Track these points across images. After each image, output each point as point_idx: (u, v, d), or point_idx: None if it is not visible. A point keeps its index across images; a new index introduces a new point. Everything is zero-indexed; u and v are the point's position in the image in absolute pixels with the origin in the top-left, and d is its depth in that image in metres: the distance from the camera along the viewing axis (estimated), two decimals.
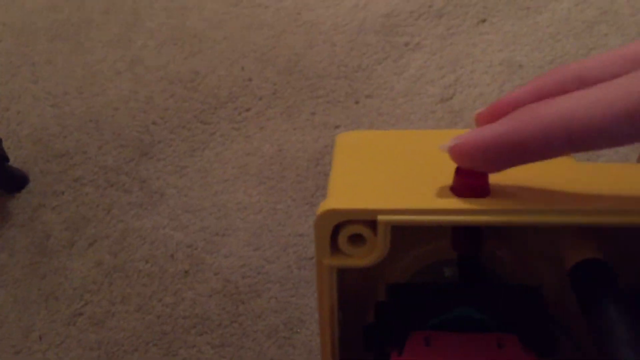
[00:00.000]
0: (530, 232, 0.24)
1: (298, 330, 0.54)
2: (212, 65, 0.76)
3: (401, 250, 0.25)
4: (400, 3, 0.81)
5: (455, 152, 0.20)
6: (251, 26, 0.80)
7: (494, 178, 0.21)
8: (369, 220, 0.20)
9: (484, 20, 0.79)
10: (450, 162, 0.21)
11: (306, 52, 0.77)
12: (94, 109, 0.72)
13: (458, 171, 0.21)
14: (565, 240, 0.24)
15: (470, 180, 0.21)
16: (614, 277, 0.22)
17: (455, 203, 0.20)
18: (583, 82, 0.19)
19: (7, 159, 0.63)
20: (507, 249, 0.25)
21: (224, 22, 0.81)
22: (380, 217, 0.20)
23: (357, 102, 0.71)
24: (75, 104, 0.73)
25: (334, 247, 0.21)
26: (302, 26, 0.80)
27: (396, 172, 0.23)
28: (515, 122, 0.19)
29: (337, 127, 0.69)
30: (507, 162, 0.19)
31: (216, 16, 0.82)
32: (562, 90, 0.19)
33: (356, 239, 0.21)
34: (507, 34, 0.78)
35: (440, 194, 0.21)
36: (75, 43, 0.80)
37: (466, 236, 0.23)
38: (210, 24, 0.81)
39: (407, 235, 0.25)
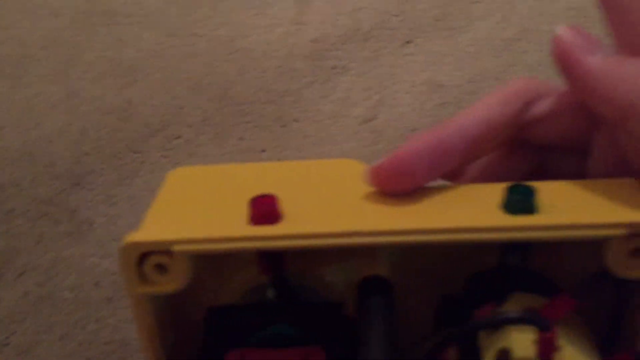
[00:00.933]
0: (326, 253, 0.27)
1: None
2: (145, 95, 0.78)
3: (228, 274, 0.28)
4: (329, 28, 0.84)
5: (374, 173, 0.24)
6: (185, 55, 0.83)
7: (290, 205, 0.23)
8: (169, 251, 0.22)
9: (409, 42, 0.82)
10: (259, 192, 0.23)
11: (237, 79, 0.79)
12: (29, 142, 0.74)
13: (251, 201, 0.23)
14: (357, 258, 0.26)
15: (260, 209, 0.23)
16: (387, 291, 0.24)
17: (244, 231, 0.22)
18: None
19: None
20: (311, 266, 0.27)
21: (159, 52, 0.84)
22: (175, 247, 0.22)
23: (284, 126, 0.74)
24: (10, 138, 0.75)
25: (143, 275, 0.23)
26: (235, 54, 0.83)
27: (206, 205, 0.25)
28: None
29: (263, 150, 0.72)
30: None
31: (152, 47, 0.85)
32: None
33: (162, 267, 0.23)
34: (430, 54, 0.81)
35: (237, 223, 0.23)
36: (14, 78, 0.82)
37: (266, 260, 0.25)
38: (145, 54, 0.84)
39: (232, 260, 0.27)
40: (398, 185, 0.25)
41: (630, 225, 0.21)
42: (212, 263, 0.27)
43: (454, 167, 0.26)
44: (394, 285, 0.25)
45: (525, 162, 0.30)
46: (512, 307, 0.23)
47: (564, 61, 0.26)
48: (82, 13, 0.91)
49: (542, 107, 0.28)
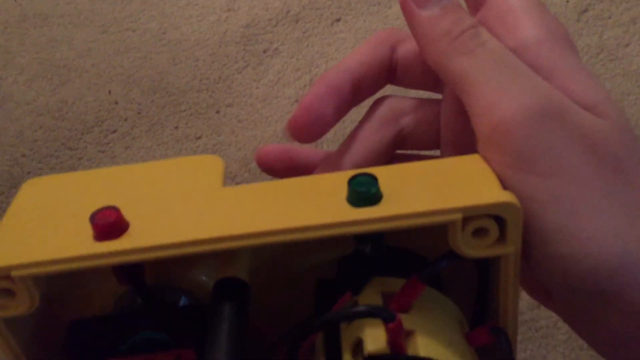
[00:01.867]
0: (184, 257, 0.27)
1: None
2: (79, 93, 0.78)
3: (91, 287, 0.27)
4: (260, 12, 0.85)
5: (291, 126, 0.28)
6: (118, 51, 0.83)
7: (136, 214, 0.23)
8: (9, 277, 0.22)
9: (338, 20, 0.84)
10: (104, 203, 0.22)
11: (170, 69, 0.80)
12: None
13: (91, 217, 0.22)
14: (216, 259, 0.26)
15: (102, 223, 0.22)
16: (243, 293, 0.25)
17: (86, 249, 0.22)
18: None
19: None
20: (173, 268, 0.27)
21: (93, 50, 0.84)
22: (14, 273, 0.22)
23: (217, 112, 0.75)
24: None
25: None
26: (167, 45, 0.83)
27: (51, 221, 0.24)
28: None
29: (198, 137, 0.73)
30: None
31: (85, 45, 0.85)
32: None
33: (8, 291, 0.22)
34: (359, 30, 0.82)
35: (80, 240, 0.22)
36: None
37: (121, 273, 0.25)
38: (78, 53, 0.84)
39: (91, 273, 0.26)
40: (314, 129, 0.29)
41: (464, 209, 0.21)
42: (69, 279, 0.26)
43: (346, 108, 0.29)
44: (253, 283, 0.25)
45: (391, 132, 0.31)
46: (369, 293, 0.24)
47: (403, 8, 0.28)
48: (14, 17, 0.90)
49: (403, 49, 0.31)
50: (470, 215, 0.21)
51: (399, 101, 0.30)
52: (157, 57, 0.82)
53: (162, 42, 0.84)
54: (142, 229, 0.22)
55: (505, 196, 0.22)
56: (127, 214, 0.23)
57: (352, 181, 0.22)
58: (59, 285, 0.26)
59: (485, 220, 0.21)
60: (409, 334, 0.22)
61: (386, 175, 0.23)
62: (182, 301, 0.26)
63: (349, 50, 0.79)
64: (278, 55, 0.80)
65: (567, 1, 0.80)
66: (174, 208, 0.24)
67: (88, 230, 0.22)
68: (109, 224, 0.22)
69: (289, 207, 0.23)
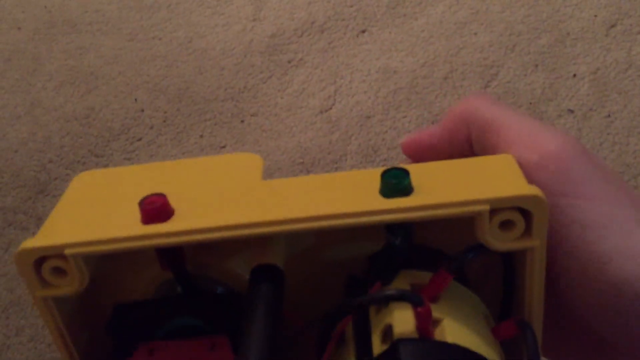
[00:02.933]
0: (224, 244, 0.27)
1: None
2: (106, 100, 0.79)
3: (136, 272, 0.28)
4: (285, 22, 0.86)
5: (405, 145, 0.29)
6: (145, 59, 0.84)
7: (182, 202, 0.24)
8: (63, 255, 0.23)
9: (363, 31, 0.84)
10: (151, 192, 0.23)
11: (196, 78, 0.81)
12: None
13: (140, 202, 0.23)
14: (252, 248, 0.27)
15: (149, 208, 0.23)
16: (279, 278, 0.25)
17: (133, 230, 0.23)
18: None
19: None
20: (211, 258, 0.28)
21: (120, 57, 0.85)
22: (67, 251, 0.22)
23: (242, 121, 0.75)
24: None
25: (42, 279, 0.23)
26: (193, 54, 0.84)
27: (102, 208, 0.25)
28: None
29: (223, 146, 0.73)
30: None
31: (112, 52, 0.86)
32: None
33: (59, 270, 0.23)
34: (384, 42, 0.82)
35: (129, 223, 0.23)
36: None
37: (164, 257, 0.26)
38: (106, 60, 0.85)
39: (138, 257, 0.28)
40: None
41: (491, 201, 0.22)
42: (117, 262, 0.27)
43: None
44: (286, 272, 0.26)
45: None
46: (398, 284, 0.24)
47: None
48: (44, 24, 0.92)
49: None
50: (497, 208, 0.22)
51: (479, 104, 0.30)
52: (183, 65, 0.83)
53: (188, 50, 0.85)
54: (187, 215, 0.23)
55: (532, 189, 0.22)
56: (173, 201, 0.24)
57: (384, 174, 0.23)
58: (105, 269, 0.27)
59: (512, 212, 0.22)
60: (437, 322, 0.22)
61: (418, 170, 0.24)
62: (219, 290, 0.27)
63: (374, 61, 0.80)
64: (303, 66, 0.80)
65: (596, 16, 0.79)
66: (216, 197, 0.25)
67: (136, 215, 0.23)
68: (156, 208, 0.23)
69: (324, 197, 0.24)
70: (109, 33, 0.89)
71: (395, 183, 0.23)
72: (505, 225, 0.23)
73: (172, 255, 0.26)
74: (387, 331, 0.23)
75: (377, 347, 0.23)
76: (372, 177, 0.24)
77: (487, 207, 0.22)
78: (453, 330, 0.23)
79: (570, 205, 0.25)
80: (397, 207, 0.23)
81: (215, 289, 0.28)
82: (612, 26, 0.78)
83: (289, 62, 0.81)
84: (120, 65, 0.84)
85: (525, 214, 0.23)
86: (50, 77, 0.84)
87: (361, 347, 0.24)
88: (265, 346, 0.22)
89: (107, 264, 0.27)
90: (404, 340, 0.22)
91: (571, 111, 0.71)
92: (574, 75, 0.74)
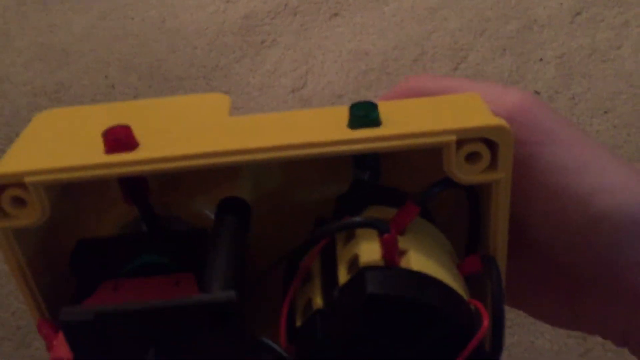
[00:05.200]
0: (190, 177, 0.27)
1: None
2: (77, 76, 0.79)
3: (100, 209, 0.27)
4: (258, 5, 0.86)
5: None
6: (117, 37, 0.84)
7: (147, 135, 0.23)
8: (22, 183, 0.22)
9: (336, 14, 0.85)
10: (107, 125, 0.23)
11: (168, 56, 0.81)
12: None
13: (105, 131, 0.23)
14: (219, 187, 0.27)
15: (113, 138, 0.22)
16: (244, 211, 0.25)
17: (96, 159, 0.22)
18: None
19: None
20: (178, 197, 0.27)
21: (91, 35, 0.84)
22: (27, 179, 0.22)
23: None
24: None
25: (2, 210, 0.22)
26: (166, 33, 0.84)
27: (64, 140, 0.25)
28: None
29: None
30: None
31: (84, 30, 0.85)
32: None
33: (19, 200, 0.22)
34: (356, 25, 0.83)
35: (92, 153, 0.23)
36: None
37: (127, 188, 0.25)
38: (77, 38, 0.84)
39: (102, 194, 0.27)
40: None
41: (457, 131, 0.22)
42: (80, 199, 0.27)
43: None
44: (254, 211, 0.26)
45: None
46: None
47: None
48: (14, 1, 0.91)
49: None
50: (463, 138, 0.22)
51: (427, 80, 0.30)
52: (156, 44, 0.82)
53: (161, 30, 0.84)
54: (151, 146, 0.23)
55: (497, 120, 0.22)
56: (138, 134, 0.23)
57: (353, 107, 0.23)
58: (68, 207, 0.26)
59: (478, 144, 0.22)
60: (403, 252, 0.23)
61: (387, 106, 0.24)
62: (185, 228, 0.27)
63: (346, 43, 0.80)
64: (276, 46, 0.81)
65: (562, 4, 0.81)
66: (182, 131, 0.24)
67: (100, 145, 0.23)
68: (119, 138, 0.22)
69: (292, 129, 0.24)
70: (80, 12, 0.89)
71: (363, 115, 0.23)
72: (472, 157, 0.23)
73: (136, 189, 0.25)
74: (354, 261, 0.23)
75: (344, 277, 0.23)
76: (341, 111, 0.24)
77: (453, 138, 0.22)
78: (419, 260, 0.23)
79: (546, 151, 0.25)
80: (365, 137, 0.22)
81: (181, 228, 0.28)
82: (578, 14, 0.80)
83: (262, 42, 0.81)
84: (92, 42, 0.83)
85: (491, 146, 0.23)
86: (20, 53, 0.83)
87: (327, 280, 0.24)
88: (229, 275, 0.22)
89: (69, 200, 0.27)
90: (370, 268, 0.22)
91: (537, 93, 0.73)
92: (541, 59, 0.76)
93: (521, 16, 0.81)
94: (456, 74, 0.76)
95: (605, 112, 0.71)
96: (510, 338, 0.54)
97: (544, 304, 0.29)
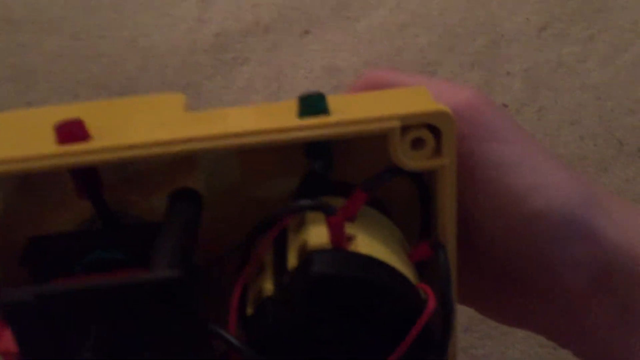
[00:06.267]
0: (144, 173, 0.28)
1: None
2: (46, 95, 0.78)
3: (53, 206, 0.28)
4: (231, 24, 0.87)
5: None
6: (88, 57, 0.84)
7: (99, 128, 0.24)
8: None
9: (307, 32, 0.85)
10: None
11: (140, 75, 0.80)
12: None
13: (56, 124, 0.23)
14: (173, 182, 0.27)
15: (65, 130, 0.23)
16: (196, 200, 0.25)
17: (47, 149, 0.23)
18: None
19: None
20: (133, 194, 0.28)
21: (62, 55, 0.84)
22: None
23: None
24: None
25: None
26: (138, 52, 0.84)
27: (14, 136, 0.25)
28: None
29: None
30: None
31: (54, 50, 0.85)
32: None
33: None
34: (328, 42, 0.84)
35: (44, 145, 0.23)
36: None
37: (79, 181, 0.26)
38: (47, 58, 0.84)
39: (56, 191, 0.28)
40: None
41: (402, 117, 0.23)
42: (32, 196, 0.27)
43: None
44: (211, 207, 0.26)
45: None
46: None
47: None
48: None
49: None
50: (408, 125, 0.23)
51: (386, 74, 0.31)
52: (127, 63, 0.82)
53: (132, 49, 0.84)
54: (103, 138, 0.23)
55: (441, 107, 0.23)
56: (91, 128, 0.23)
57: (302, 97, 0.24)
58: (21, 204, 0.26)
59: (422, 130, 0.23)
60: (352, 238, 0.23)
61: (337, 97, 0.25)
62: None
63: (318, 60, 0.81)
64: (247, 64, 0.81)
65: (528, 19, 0.83)
66: (134, 124, 0.25)
67: (51, 137, 0.23)
68: (71, 130, 0.23)
69: (243, 120, 0.24)
70: (52, 32, 0.88)
71: (312, 104, 0.24)
72: (417, 143, 0.24)
73: (89, 181, 0.26)
74: (303, 247, 0.24)
75: (293, 263, 0.23)
76: (291, 103, 0.25)
77: (398, 124, 0.23)
78: (367, 245, 0.23)
79: (485, 148, 0.26)
80: (312, 123, 0.23)
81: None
82: (543, 29, 0.81)
83: (233, 59, 0.82)
84: (62, 63, 0.83)
85: (435, 133, 0.24)
86: None
87: (278, 268, 0.24)
88: (176, 257, 0.22)
89: (22, 198, 0.27)
90: (317, 251, 0.22)
91: (505, 105, 0.74)
92: (508, 73, 0.77)
93: (489, 32, 0.82)
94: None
95: (572, 124, 0.72)
96: (481, 349, 0.54)
97: (490, 300, 0.30)
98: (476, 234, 0.27)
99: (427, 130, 0.23)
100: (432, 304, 0.22)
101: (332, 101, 0.24)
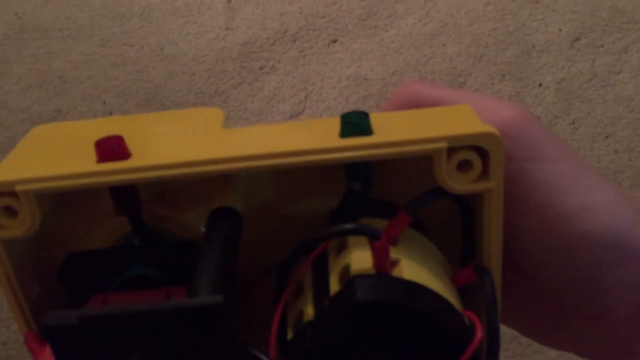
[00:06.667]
0: (181, 190, 0.27)
1: None
2: (74, 102, 0.79)
3: (92, 222, 0.28)
4: (257, 32, 0.86)
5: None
6: (115, 64, 0.84)
7: (139, 146, 0.24)
8: (14, 192, 0.22)
9: (335, 41, 0.85)
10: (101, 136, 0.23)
11: (166, 83, 0.80)
12: None
13: (97, 142, 0.23)
14: (211, 200, 0.26)
15: (105, 147, 0.23)
16: (236, 220, 0.25)
17: (88, 167, 0.22)
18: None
19: None
20: (169, 210, 0.27)
21: (90, 62, 0.85)
22: (18, 187, 0.22)
23: None
24: None
25: None
26: (164, 60, 0.84)
27: (56, 151, 0.25)
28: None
29: None
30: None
31: (82, 57, 0.85)
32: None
33: (10, 210, 0.22)
34: (355, 51, 0.83)
35: (85, 162, 0.23)
36: None
37: (118, 198, 0.25)
38: (75, 65, 0.84)
39: (95, 207, 0.27)
40: None
41: (448, 138, 0.22)
42: (72, 210, 0.27)
43: None
44: (248, 226, 0.25)
45: None
46: None
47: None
48: (13, 30, 0.91)
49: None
50: (454, 146, 0.22)
51: (423, 88, 0.30)
52: (154, 70, 0.82)
53: (159, 57, 0.84)
54: (143, 157, 0.23)
55: (488, 128, 0.22)
56: (131, 145, 0.23)
57: (344, 116, 0.23)
58: (60, 219, 0.26)
59: (469, 152, 0.22)
60: (395, 262, 0.22)
61: (378, 116, 0.24)
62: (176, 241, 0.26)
63: (345, 69, 0.80)
64: (274, 73, 0.81)
65: (560, 30, 0.81)
66: (174, 141, 0.24)
67: (92, 155, 0.23)
68: (111, 147, 0.22)
69: (283, 138, 0.24)
70: (79, 39, 0.89)
71: (355, 124, 0.23)
72: (463, 166, 0.23)
73: (128, 199, 0.25)
74: (345, 271, 0.23)
75: (335, 287, 0.22)
76: (333, 121, 0.24)
77: (444, 145, 0.22)
78: (411, 270, 0.22)
79: (533, 168, 0.25)
80: (356, 144, 0.22)
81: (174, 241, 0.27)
82: (577, 39, 0.80)
83: (261, 68, 0.81)
84: (90, 69, 0.83)
85: (482, 155, 0.23)
86: (18, 80, 0.83)
87: (319, 292, 0.23)
88: (217, 281, 0.22)
89: (61, 212, 0.26)
90: (361, 276, 0.21)
91: (537, 118, 0.72)
92: (540, 84, 0.76)
93: (519, 42, 0.81)
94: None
95: (606, 137, 0.70)
96: None
97: (530, 321, 0.29)
98: (520, 255, 0.26)
99: (474, 152, 0.22)
100: (479, 333, 0.21)
101: (375, 120, 0.23)
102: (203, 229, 0.26)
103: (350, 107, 0.75)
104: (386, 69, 0.80)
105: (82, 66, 0.84)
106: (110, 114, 0.77)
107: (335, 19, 0.88)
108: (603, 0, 0.84)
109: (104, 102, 0.78)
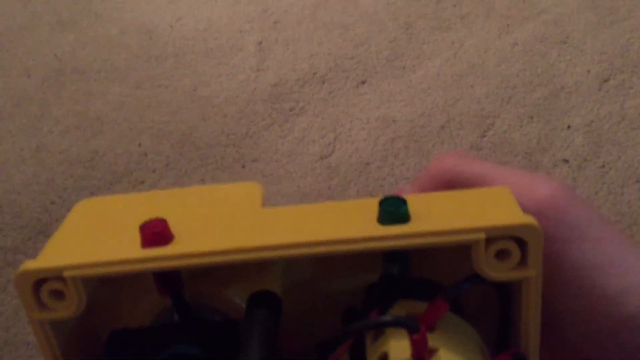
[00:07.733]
0: (221, 267, 0.28)
1: None
2: (111, 144, 0.81)
3: (134, 299, 0.28)
4: (288, 73, 0.88)
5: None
6: (150, 105, 0.86)
7: (182, 228, 0.24)
8: (61, 277, 0.23)
9: (363, 82, 0.86)
10: (152, 217, 0.24)
11: (199, 124, 0.83)
12: None
13: (141, 226, 0.24)
14: (250, 276, 0.27)
15: (149, 232, 0.24)
16: (275, 304, 0.25)
17: (132, 253, 0.23)
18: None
19: None
20: (210, 286, 0.28)
21: (125, 103, 0.87)
22: (66, 273, 0.23)
23: (243, 166, 0.77)
24: None
25: (40, 302, 0.23)
26: (197, 101, 0.86)
27: (102, 232, 0.26)
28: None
29: None
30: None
31: (118, 99, 0.88)
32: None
33: (57, 293, 0.23)
34: (383, 92, 0.84)
35: (128, 247, 0.24)
36: None
37: (161, 281, 0.26)
38: (112, 106, 0.87)
39: (136, 284, 0.28)
40: None
41: (487, 229, 0.22)
42: (115, 288, 0.28)
43: None
44: (286, 302, 0.26)
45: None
46: (394, 313, 0.24)
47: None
48: (53, 72, 0.95)
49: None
50: (493, 236, 0.22)
51: (458, 164, 0.30)
52: (187, 112, 0.85)
53: (192, 98, 0.87)
54: (186, 240, 0.24)
55: (527, 219, 0.22)
56: (173, 227, 0.24)
57: (382, 202, 0.24)
58: (103, 295, 0.27)
59: (508, 242, 0.22)
60: (433, 351, 0.22)
61: (415, 199, 0.24)
62: (216, 319, 0.27)
63: (374, 110, 0.82)
64: (304, 114, 0.82)
65: (589, 71, 0.82)
66: (215, 224, 0.25)
67: (136, 239, 0.24)
68: (156, 232, 0.23)
69: (322, 224, 0.24)
70: (116, 81, 0.92)
71: (393, 211, 0.23)
72: (501, 254, 0.23)
73: (171, 281, 0.26)
74: (383, 359, 0.23)
75: None
76: (370, 205, 0.24)
77: (483, 236, 0.22)
78: (449, 358, 0.23)
79: (572, 249, 0.25)
80: (394, 233, 0.23)
81: (213, 317, 0.28)
82: (605, 81, 0.80)
83: (291, 110, 0.83)
84: (126, 111, 0.86)
85: (521, 243, 0.23)
86: (57, 121, 0.86)
87: None
88: None
89: (105, 290, 0.27)
90: None
91: (566, 161, 0.72)
92: (569, 126, 0.76)
93: (547, 83, 0.81)
94: (483, 141, 0.76)
95: (637, 181, 0.70)
96: None
97: None
98: (559, 337, 0.26)
99: (512, 241, 0.23)
100: None
101: (412, 203, 0.24)
102: (242, 305, 0.27)
103: (379, 150, 0.76)
104: (414, 110, 0.81)
105: (118, 108, 0.87)
106: (145, 155, 0.79)
107: (363, 60, 0.89)
108: (632, 40, 0.84)
109: (139, 144, 0.81)
